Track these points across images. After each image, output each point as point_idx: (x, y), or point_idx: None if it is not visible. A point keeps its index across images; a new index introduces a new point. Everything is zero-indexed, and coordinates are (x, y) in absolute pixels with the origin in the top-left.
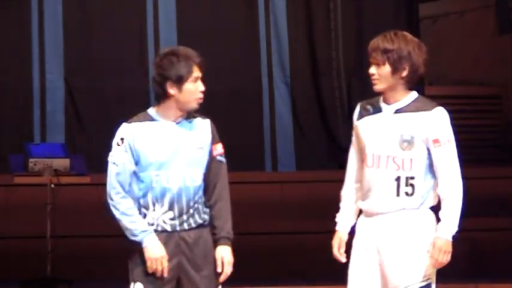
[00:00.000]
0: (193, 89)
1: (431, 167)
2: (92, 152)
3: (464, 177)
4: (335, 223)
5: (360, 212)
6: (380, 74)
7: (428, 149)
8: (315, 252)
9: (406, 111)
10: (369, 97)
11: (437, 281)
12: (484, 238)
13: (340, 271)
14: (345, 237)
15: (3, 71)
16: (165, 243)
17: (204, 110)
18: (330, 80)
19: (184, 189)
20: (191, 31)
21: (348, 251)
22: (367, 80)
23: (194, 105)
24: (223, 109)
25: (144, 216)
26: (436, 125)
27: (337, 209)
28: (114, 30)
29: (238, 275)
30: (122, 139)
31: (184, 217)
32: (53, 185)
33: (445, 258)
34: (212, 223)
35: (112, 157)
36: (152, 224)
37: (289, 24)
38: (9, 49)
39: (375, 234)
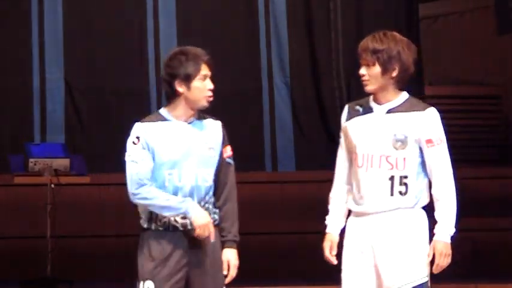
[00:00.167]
0: (202, 87)
1: (423, 166)
2: (92, 152)
3: (465, 178)
4: (325, 226)
5: (349, 212)
6: (370, 74)
7: (420, 149)
8: (315, 252)
9: (398, 111)
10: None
11: (438, 281)
12: (484, 238)
13: (340, 271)
14: (336, 240)
15: (3, 71)
16: (176, 243)
17: (204, 109)
18: (330, 80)
19: (196, 189)
20: (191, 31)
21: (338, 252)
22: None
23: (204, 103)
24: (223, 109)
25: (156, 215)
26: (429, 125)
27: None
28: (114, 30)
29: (238, 275)
30: (137, 137)
31: None
32: (53, 185)
33: (446, 261)
34: (220, 224)
35: (130, 156)
36: (164, 223)
37: (289, 24)
38: (9, 49)
39: (369, 234)
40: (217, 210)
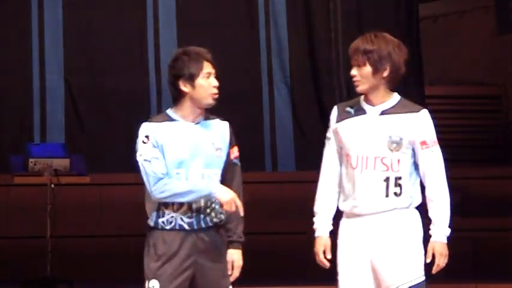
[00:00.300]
0: (206, 85)
1: (415, 167)
2: (92, 152)
3: (465, 178)
4: (313, 230)
5: (341, 214)
6: (361, 74)
7: (413, 150)
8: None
9: (392, 113)
10: None
11: (438, 281)
12: (484, 238)
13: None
14: (329, 243)
15: (3, 71)
16: (182, 242)
17: (207, 108)
18: (330, 80)
19: None
20: (191, 31)
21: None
22: None
23: (209, 100)
24: (223, 109)
25: (163, 214)
26: (423, 127)
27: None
28: (114, 30)
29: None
30: (146, 136)
31: (202, 216)
32: (53, 185)
33: (444, 261)
34: (225, 225)
35: (141, 155)
36: (171, 222)
37: (289, 24)
38: (9, 49)
39: (365, 235)
40: (223, 211)
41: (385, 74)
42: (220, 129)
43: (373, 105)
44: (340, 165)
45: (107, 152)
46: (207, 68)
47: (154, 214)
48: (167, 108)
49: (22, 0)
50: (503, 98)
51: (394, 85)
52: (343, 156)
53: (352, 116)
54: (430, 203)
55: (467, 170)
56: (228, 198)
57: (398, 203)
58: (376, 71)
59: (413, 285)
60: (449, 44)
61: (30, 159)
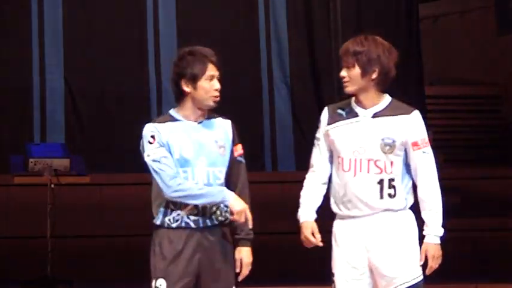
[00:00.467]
0: (208, 87)
1: (407, 168)
2: (92, 152)
3: (465, 178)
4: (298, 222)
5: (332, 215)
6: (350, 76)
7: (405, 151)
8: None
9: (384, 115)
10: None
11: (438, 281)
12: (484, 238)
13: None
14: (315, 226)
15: (3, 71)
16: (188, 241)
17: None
18: (330, 80)
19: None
20: (191, 32)
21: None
22: None
23: (210, 102)
24: (223, 109)
25: (171, 212)
26: (415, 128)
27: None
28: (114, 31)
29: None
30: (152, 136)
31: (208, 214)
32: (53, 185)
33: (437, 262)
34: (232, 223)
35: (149, 156)
36: (177, 221)
37: (289, 24)
38: (9, 49)
39: (362, 235)
40: (229, 209)
41: (374, 76)
42: (223, 128)
43: (365, 108)
44: (330, 167)
45: (107, 152)
46: (211, 70)
47: (161, 213)
48: (167, 109)
49: (22, 0)
50: (503, 98)
51: (384, 87)
52: (334, 159)
53: (344, 119)
54: (422, 203)
55: (467, 170)
56: (240, 208)
57: (393, 204)
58: (364, 73)
59: (412, 285)
60: (449, 44)
61: (30, 159)
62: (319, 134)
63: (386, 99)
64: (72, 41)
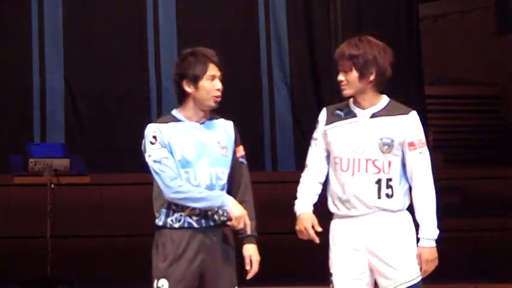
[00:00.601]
0: (210, 87)
1: (404, 168)
2: (91, 152)
3: (465, 178)
4: (294, 213)
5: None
6: (348, 80)
7: (402, 151)
8: (315, 252)
9: (382, 115)
10: None
11: (438, 281)
12: (484, 238)
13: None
14: (315, 217)
15: (4, 71)
16: (190, 241)
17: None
18: (330, 80)
19: (210, 188)
20: (191, 32)
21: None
22: None
23: (211, 103)
24: (222, 109)
25: (173, 213)
26: (412, 128)
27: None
28: (114, 30)
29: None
30: (154, 137)
31: (210, 214)
32: (53, 185)
33: (432, 266)
34: None
35: (150, 156)
36: (179, 220)
37: (289, 24)
38: (9, 49)
39: (361, 234)
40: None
41: (372, 78)
42: (225, 128)
43: (363, 109)
44: (327, 167)
45: (107, 152)
46: (212, 70)
47: (163, 213)
48: (167, 109)
49: (22, 0)
50: (503, 98)
51: (381, 87)
52: (331, 159)
53: (342, 119)
54: (416, 205)
55: (467, 170)
56: (238, 214)
57: (391, 205)
58: (362, 75)
59: (411, 285)
60: (449, 44)
61: (30, 159)
62: (317, 134)
63: (384, 99)
64: (72, 41)
